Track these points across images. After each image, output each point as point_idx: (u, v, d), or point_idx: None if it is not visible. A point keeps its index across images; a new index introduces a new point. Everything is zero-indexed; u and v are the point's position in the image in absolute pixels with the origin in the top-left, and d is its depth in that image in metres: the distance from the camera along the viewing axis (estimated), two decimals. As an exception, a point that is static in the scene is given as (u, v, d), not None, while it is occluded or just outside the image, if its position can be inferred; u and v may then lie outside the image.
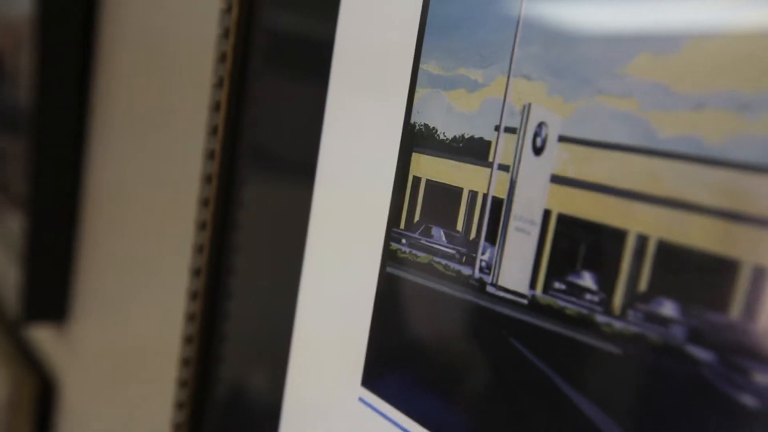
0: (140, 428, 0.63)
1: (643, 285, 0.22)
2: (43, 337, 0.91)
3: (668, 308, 0.21)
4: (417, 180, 0.31)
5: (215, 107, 0.43)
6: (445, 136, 0.29)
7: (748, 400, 0.19)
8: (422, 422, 0.30)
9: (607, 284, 0.23)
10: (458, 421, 0.28)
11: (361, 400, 0.34)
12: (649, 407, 0.22)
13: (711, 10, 0.21)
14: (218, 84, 0.43)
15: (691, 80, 0.21)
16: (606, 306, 0.23)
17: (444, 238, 0.29)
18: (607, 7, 0.24)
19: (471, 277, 0.28)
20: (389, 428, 0.32)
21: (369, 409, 0.33)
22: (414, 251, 0.31)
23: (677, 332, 0.21)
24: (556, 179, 0.25)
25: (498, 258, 0.27)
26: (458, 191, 0.29)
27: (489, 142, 0.28)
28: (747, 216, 0.20)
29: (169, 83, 0.59)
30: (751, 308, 0.19)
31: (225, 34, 0.43)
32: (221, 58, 0.43)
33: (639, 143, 0.22)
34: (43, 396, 0.88)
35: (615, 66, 0.23)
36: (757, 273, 0.19)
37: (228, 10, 0.42)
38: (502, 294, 0.27)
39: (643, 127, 0.22)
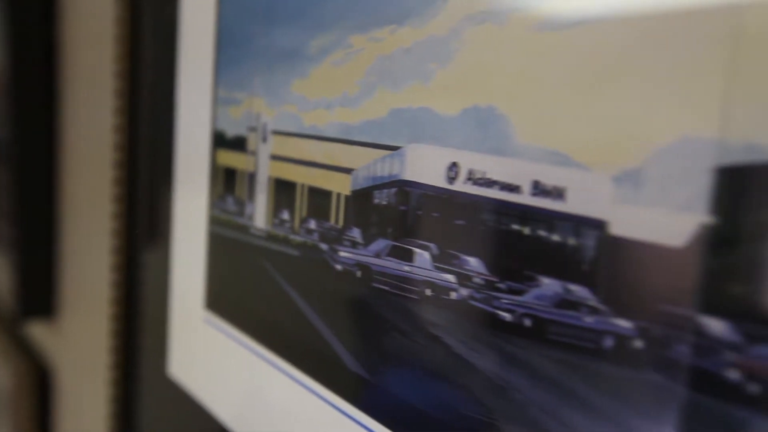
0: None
1: (304, 212, 0.38)
2: (37, 331, 1.07)
3: (312, 224, 0.37)
4: (219, 167, 0.47)
5: (116, 130, 0.60)
6: (228, 136, 0.45)
7: (338, 266, 0.35)
8: (233, 322, 0.46)
9: (292, 215, 0.39)
10: (246, 316, 0.44)
11: (205, 320, 0.50)
12: (309, 279, 0.37)
13: (316, 50, 0.37)
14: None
15: (312, 93, 0.37)
16: (292, 227, 0.39)
17: (232, 202, 0.45)
18: (287, 49, 0.40)
19: (243, 225, 0.44)
20: (219, 336, 0.48)
21: (210, 326, 0.49)
22: (220, 214, 0.47)
23: (315, 237, 0.37)
24: (272, 157, 0.41)
25: (252, 210, 0.43)
26: (236, 171, 0.45)
27: (246, 138, 0.44)
28: (334, 166, 0.35)
29: (98, 112, 0.75)
30: (338, 218, 0.35)
31: (120, 73, 0.59)
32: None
33: (298, 131, 0.38)
34: (40, 383, 1.04)
35: (288, 86, 0.39)
36: (340, 198, 0.35)
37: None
38: (256, 232, 0.43)
39: (298, 121, 0.38)
